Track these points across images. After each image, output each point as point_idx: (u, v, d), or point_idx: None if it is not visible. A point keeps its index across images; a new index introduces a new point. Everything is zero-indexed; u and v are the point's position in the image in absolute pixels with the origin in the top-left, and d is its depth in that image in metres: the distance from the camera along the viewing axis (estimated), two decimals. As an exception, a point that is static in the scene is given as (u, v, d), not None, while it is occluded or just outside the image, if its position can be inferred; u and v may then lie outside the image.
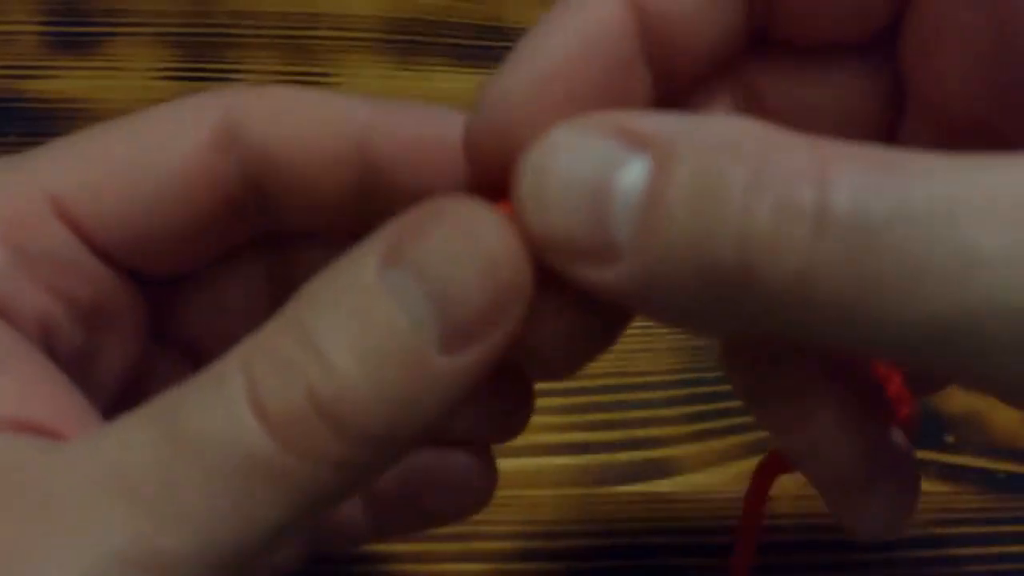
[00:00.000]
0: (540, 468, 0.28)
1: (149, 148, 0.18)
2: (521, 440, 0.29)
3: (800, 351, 0.18)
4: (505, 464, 0.29)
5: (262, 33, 0.36)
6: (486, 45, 0.36)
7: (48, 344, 0.18)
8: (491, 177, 0.16)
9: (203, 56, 0.35)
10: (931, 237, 0.12)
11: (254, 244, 0.20)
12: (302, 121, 0.18)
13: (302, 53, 0.36)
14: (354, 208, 0.18)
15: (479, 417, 0.20)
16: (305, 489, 0.14)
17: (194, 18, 0.36)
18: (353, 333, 0.14)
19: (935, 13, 0.16)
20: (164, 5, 0.36)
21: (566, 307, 0.16)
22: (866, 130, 0.18)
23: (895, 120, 0.18)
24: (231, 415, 0.14)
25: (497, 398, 0.20)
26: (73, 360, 0.18)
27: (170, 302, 0.20)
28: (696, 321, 0.15)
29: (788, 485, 0.28)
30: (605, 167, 0.14)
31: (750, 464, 0.29)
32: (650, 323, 0.31)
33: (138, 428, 0.15)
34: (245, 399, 0.14)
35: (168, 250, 0.19)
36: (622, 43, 0.16)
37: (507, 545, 0.27)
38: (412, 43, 0.36)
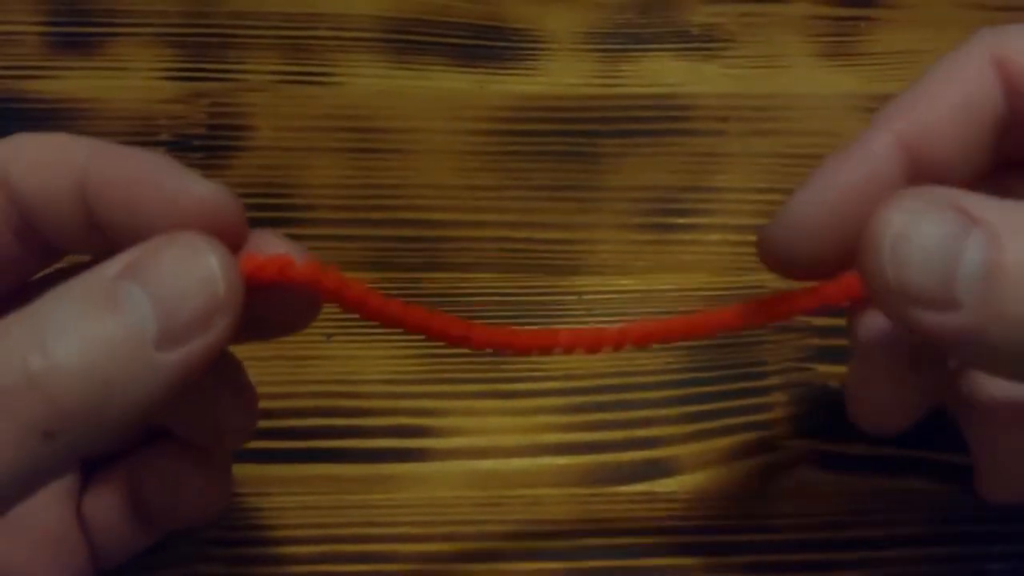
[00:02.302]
0: (540, 468, 0.28)
1: None
2: (521, 440, 0.29)
3: None
4: (505, 464, 0.29)
5: (263, 33, 0.36)
6: (485, 45, 0.36)
7: None
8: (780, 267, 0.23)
9: (204, 56, 0.35)
10: None
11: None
12: (38, 164, 0.20)
13: (302, 53, 0.36)
14: (96, 235, 0.21)
15: (208, 413, 0.23)
16: (17, 457, 0.16)
17: (195, 18, 0.36)
18: (76, 322, 0.17)
19: None
20: (165, 5, 0.36)
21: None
22: None
23: None
24: None
25: (224, 397, 0.23)
26: None
27: None
28: (1014, 371, 0.19)
29: (789, 486, 0.28)
30: (954, 238, 0.18)
31: (750, 464, 0.29)
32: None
33: None
34: None
35: None
36: (895, 180, 0.21)
37: (507, 545, 0.27)
38: (412, 43, 0.36)
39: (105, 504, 0.24)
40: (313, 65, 0.35)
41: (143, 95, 0.34)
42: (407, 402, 0.29)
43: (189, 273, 0.18)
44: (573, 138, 0.34)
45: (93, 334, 0.17)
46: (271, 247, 0.20)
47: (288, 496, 0.28)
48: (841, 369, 0.30)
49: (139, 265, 0.18)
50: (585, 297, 0.31)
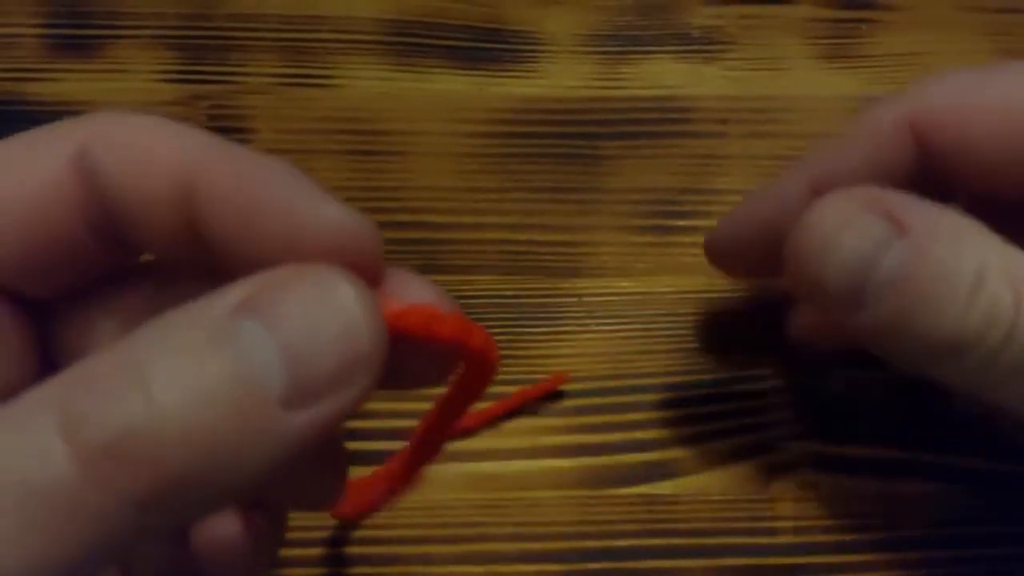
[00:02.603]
0: (540, 470, 0.28)
1: (5, 175, 0.17)
2: (521, 442, 0.29)
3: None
4: (505, 466, 0.29)
5: (263, 35, 0.36)
6: (485, 47, 0.36)
7: None
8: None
9: (204, 58, 0.35)
10: None
11: (142, 268, 0.19)
12: (131, 155, 0.17)
13: (303, 55, 0.36)
14: (196, 247, 0.17)
15: (295, 483, 0.20)
16: (107, 525, 0.13)
17: (195, 20, 0.36)
18: (187, 371, 0.14)
19: None
20: (165, 7, 0.36)
21: None
22: None
23: None
24: (40, 443, 0.13)
25: (317, 467, 0.20)
26: None
27: (59, 324, 0.19)
28: (908, 360, 0.21)
29: (788, 488, 0.28)
30: (877, 246, 0.20)
31: (750, 466, 0.29)
32: (649, 324, 0.31)
33: None
34: (56, 428, 0.13)
35: (38, 273, 0.18)
36: None
37: (507, 547, 0.27)
38: (412, 45, 0.36)
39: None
40: (313, 67, 0.35)
41: (143, 97, 0.34)
42: (406, 404, 0.29)
43: (327, 318, 0.14)
44: (573, 140, 0.34)
45: (205, 384, 0.14)
46: (412, 291, 0.17)
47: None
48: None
49: (262, 302, 0.14)
50: (585, 299, 0.31)
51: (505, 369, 0.30)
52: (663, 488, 0.28)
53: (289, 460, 0.14)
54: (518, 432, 0.29)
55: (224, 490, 0.14)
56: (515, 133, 0.34)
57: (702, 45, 0.37)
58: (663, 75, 0.36)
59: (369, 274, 0.16)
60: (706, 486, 0.28)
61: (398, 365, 0.16)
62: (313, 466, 0.19)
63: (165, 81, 0.35)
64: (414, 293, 0.17)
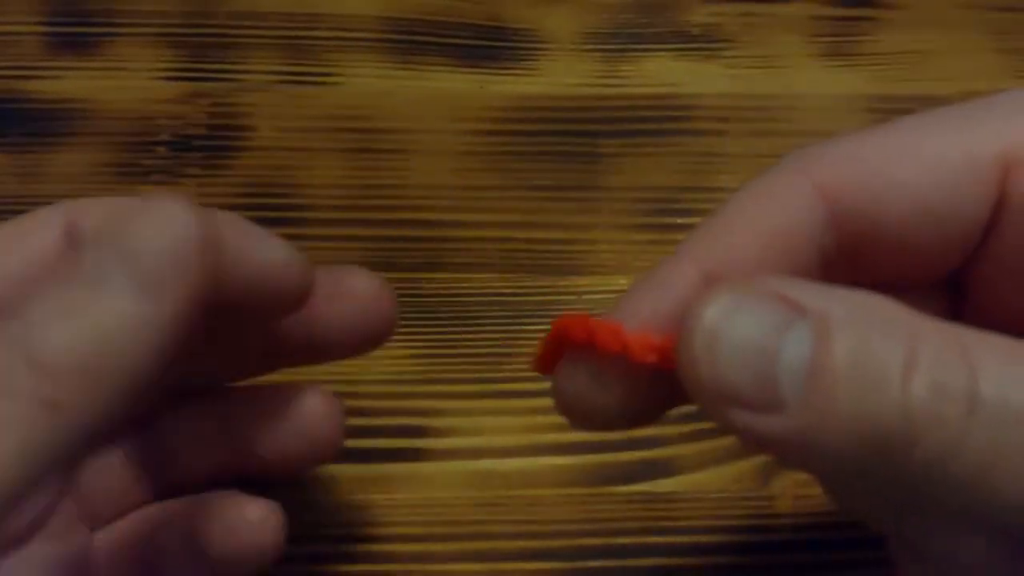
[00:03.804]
0: (540, 468, 0.28)
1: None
2: (520, 440, 0.29)
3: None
4: (505, 464, 0.29)
5: (263, 33, 0.36)
6: (486, 45, 0.36)
7: None
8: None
9: (204, 56, 0.35)
10: None
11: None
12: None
13: (303, 53, 0.36)
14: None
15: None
16: (27, 432, 0.16)
17: (195, 18, 0.36)
18: (57, 303, 0.17)
19: (997, 262, 0.20)
20: (165, 5, 0.36)
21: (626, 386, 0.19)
22: None
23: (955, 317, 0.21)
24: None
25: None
26: None
27: None
28: (845, 478, 0.18)
29: (788, 485, 0.28)
30: (772, 332, 0.16)
31: (750, 464, 0.29)
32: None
33: None
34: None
35: None
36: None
37: (507, 544, 0.27)
38: (412, 43, 0.36)
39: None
40: (313, 65, 0.35)
41: (143, 95, 0.34)
42: (407, 402, 0.29)
43: (156, 223, 0.18)
44: (573, 138, 0.34)
45: (74, 307, 0.17)
46: (352, 283, 0.22)
47: (288, 496, 0.28)
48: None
49: (107, 228, 0.18)
50: (585, 297, 0.31)
51: (504, 368, 0.30)
52: (663, 486, 0.28)
53: (161, 348, 0.17)
54: (518, 430, 0.29)
55: (116, 383, 0.17)
56: (515, 131, 0.34)
57: (702, 43, 0.37)
58: (663, 73, 0.36)
59: (304, 293, 0.21)
60: (706, 484, 0.28)
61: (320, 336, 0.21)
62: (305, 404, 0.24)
63: (165, 79, 0.35)
64: (355, 286, 0.20)
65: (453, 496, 0.28)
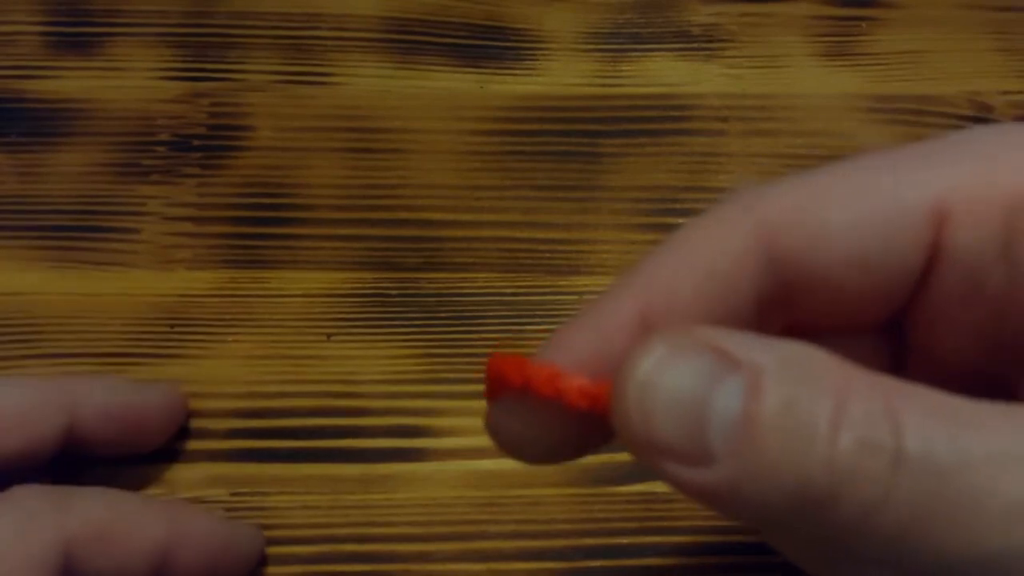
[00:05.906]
0: (539, 468, 0.28)
1: None
2: (521, 440, 0.29)
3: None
4: (504, 464, 0.29)
5: (263, 33, 0.36)
6: (486, 45, 0.36)
7: None
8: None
9: (204, 56, 0.35)
10: (984, 486, 0.15)
11: None
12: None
13: (303, 53, 0.36)
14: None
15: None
16: None
17: (195, 18, 0.36)
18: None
19: (936, 308, 0.19)
20: (165, 5, 0.36)
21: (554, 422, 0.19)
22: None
23: (899, 366, 0.21)
24: None
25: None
26: None
27: None
28: (775, 529, 0.18)
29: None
30: (704, 385, 0.16)
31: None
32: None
33: None
34: None
35: None
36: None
37: (506, 545, 0.27)
38: (412, 43, 0.36)
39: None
40: (313, 65, 0.35)
41: (143, 95, 0.34)
42: (406, 402, 0.29)
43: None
44: (573, 138, 0.34)
45: None
46: None
47: (288, 496, 0.28)
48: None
49: None
50: (585, 297, 0.31)
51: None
52: (662, 486, 0.28)
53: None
54: (518, 430, 0.29)
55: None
56: (515, 131, 0.34)
57: (702, 43, 0.37)
58: (663, 73, 0.36)
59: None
60: (706, 484, 0.28)
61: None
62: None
63: (165, 79, 0.35)
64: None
65: (453, 496, 0.28)
